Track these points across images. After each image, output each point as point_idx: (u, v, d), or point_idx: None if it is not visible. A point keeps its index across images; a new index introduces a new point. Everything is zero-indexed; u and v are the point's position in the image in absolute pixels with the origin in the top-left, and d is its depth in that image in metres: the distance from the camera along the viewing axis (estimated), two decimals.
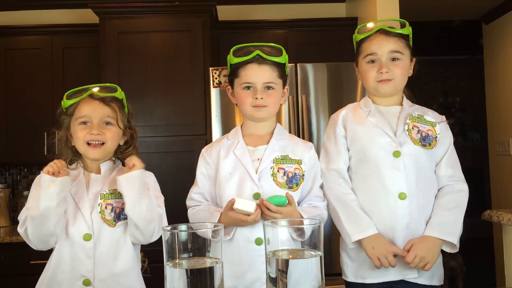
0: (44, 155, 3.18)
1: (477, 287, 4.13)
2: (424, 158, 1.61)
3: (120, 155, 1.63)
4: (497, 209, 2.44)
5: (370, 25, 1.66)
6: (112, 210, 1.51)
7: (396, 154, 1.58)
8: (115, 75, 2.94)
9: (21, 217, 1.49)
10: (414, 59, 1.68)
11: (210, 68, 2.80)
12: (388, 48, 1.60)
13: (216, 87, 2.77)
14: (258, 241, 1.51)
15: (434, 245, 1.53)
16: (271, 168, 1.54)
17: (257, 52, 1.54)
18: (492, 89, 3.90)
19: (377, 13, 2.82)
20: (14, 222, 3.31)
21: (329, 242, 2.47)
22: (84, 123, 1.53)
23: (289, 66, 2.81)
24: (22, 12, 3.47)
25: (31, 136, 3.16)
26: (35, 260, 2.65)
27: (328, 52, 3.19)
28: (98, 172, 1.59)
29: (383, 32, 1.62)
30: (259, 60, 1.54)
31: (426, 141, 1.61)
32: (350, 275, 1.65)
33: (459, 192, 1.61)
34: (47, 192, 1.42)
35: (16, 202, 3.35)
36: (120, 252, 1.52)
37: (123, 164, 1.59)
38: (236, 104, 1.65)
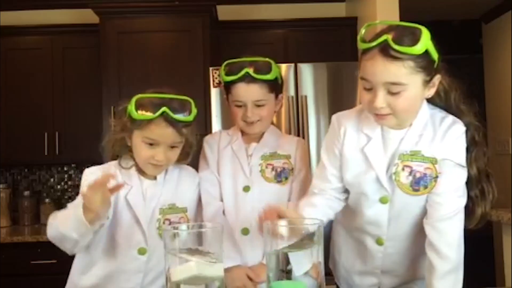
0: (44, 155, 3.19)
1: (476, 287, 4.12)
2: (414, 205, 1.35)
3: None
4: (497, 208, 2.38)
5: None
6: (169, 226, 1.47)
7: (384, 200, 1.35)
8: (115, 75, 2.94)
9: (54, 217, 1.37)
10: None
11: (210, 68, 2.80)
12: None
13: (216, 87, 2.77)
14: (245, 231, 1.55)
15: None
16: (259, 164, 1.59)
17: (246, 70, 1.53)
18: (491, 88, 3.90)
19: (377, 13, 2.81)
20: (15, 222, 3.31)
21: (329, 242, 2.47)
22: (151, 144, 1.45)
23: (289, 65, 2.84)
24: (22, 12, 3.47)
25: (31, 136, 3.17)
26: (35, 260, 2.60)
27: (328, 52, 3.18)
28: (152, 176, 1.52)
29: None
30: (247, 79, 1.54)
31: (420, 184, 1.30)
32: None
33: None
34: (79, 228, 1.28)
35: (16, 203, 3.35)
36: None
37: None
38: None
